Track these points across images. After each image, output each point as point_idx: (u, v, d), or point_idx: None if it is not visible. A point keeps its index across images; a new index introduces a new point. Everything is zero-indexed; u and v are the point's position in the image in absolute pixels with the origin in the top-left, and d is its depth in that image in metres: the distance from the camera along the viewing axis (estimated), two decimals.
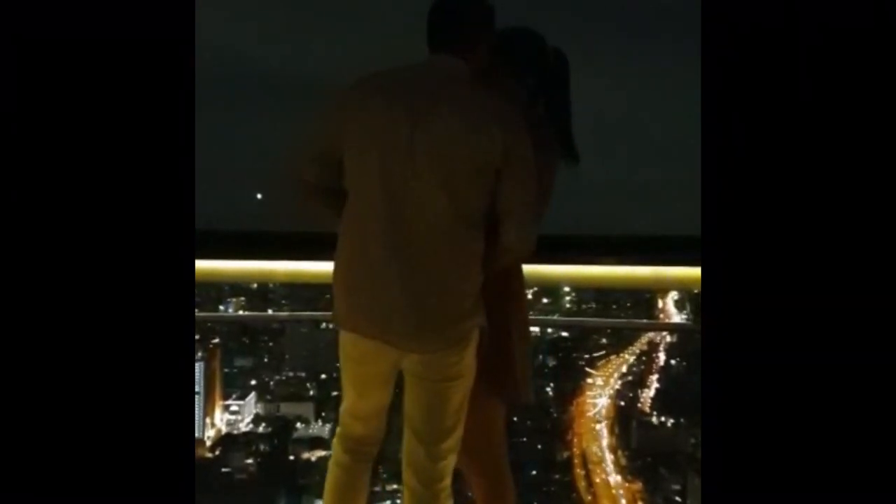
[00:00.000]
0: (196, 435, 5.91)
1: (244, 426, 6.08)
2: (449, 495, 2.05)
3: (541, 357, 5.79)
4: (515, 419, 5.37)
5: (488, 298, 2.02)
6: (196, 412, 5.93)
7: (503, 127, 1.81)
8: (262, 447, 5.85)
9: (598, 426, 5.83)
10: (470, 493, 2.34)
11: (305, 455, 5.94)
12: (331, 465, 2.14)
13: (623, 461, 5.64)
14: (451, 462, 2.03)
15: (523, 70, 2.02)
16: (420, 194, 1.83)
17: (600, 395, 5.93)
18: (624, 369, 6.08)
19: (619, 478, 5.60)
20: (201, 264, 3.09)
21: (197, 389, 5.98)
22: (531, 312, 2.29)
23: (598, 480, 5.61)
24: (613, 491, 5.56)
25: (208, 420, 5.99)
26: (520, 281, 2.14)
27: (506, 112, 1.85)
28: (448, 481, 2.03)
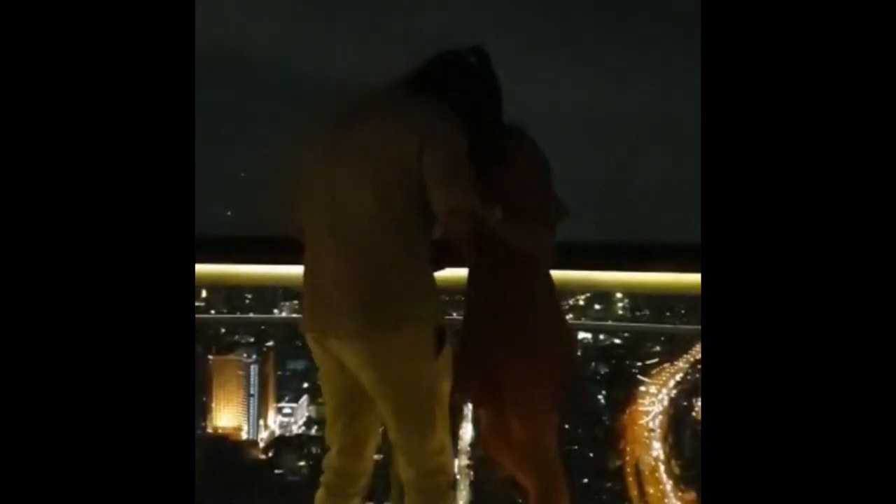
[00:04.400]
0: (250, 437, 5.98)
1: (297, 428, 6.14)
2: (450, 486, 2.14)
3: (593, 364, 5.73)
4: (567, 427, 5.32)
5: (498, 309, 2.09)
6: (251, 414, 6.00)
7: (418, 131, 2.03)
8: (314, 449, 5.90)
9: (651, 435, 5.75)
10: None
11: None
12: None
13: (677, 470, 5.56)
14: (440, 462, 2.12)
15: (452, 90, 2.13)
16: (349, 195, 2.06)
17: (654, 404, 5.84)
18: (678, 377, 5.98)
19: (672, 487, 5.52)
20: (254, 269, 3.13)
21: (251, 392, 6.05)
22: (582, 319, 2.34)
23: (651, 489, 5.53)
24: (666, 500, 5.48)
25: (262, 422, 6.06)
26: (525, 284, 2.18)
27: (422, 117, 2.07)
28: (441, 479, 2.11)
